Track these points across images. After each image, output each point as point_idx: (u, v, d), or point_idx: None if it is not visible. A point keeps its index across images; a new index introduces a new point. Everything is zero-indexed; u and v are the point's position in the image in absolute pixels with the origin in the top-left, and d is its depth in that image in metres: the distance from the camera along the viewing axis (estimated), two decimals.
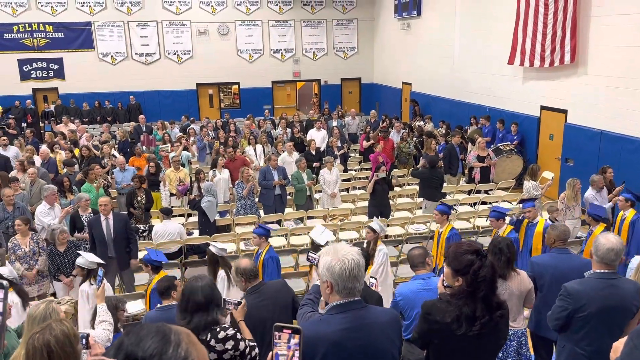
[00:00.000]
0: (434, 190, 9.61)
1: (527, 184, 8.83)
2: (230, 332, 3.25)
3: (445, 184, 11.24)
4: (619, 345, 2.15)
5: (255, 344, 3.45)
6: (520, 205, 7.61)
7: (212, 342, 3.20)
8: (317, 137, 13.17)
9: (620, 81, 9.78)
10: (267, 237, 6.16)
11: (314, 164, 11.38)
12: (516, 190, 11.16)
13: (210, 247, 5.71)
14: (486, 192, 10.89)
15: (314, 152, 11.80)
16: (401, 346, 2.68)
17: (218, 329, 3.24)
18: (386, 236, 8.91)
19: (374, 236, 6.10)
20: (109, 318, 4.03)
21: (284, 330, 2.17)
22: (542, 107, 12.08)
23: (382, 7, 20.66)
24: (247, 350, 3.32)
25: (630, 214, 6.83)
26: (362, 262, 2.47)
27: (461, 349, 2.74)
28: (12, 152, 11.69)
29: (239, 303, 3.67)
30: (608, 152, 10.09)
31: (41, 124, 17.90)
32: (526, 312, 4.71)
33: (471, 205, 10.36)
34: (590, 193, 7.99)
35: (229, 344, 3.21)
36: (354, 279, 2.41)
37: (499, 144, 12.40)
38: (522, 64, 12.12)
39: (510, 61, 12.46)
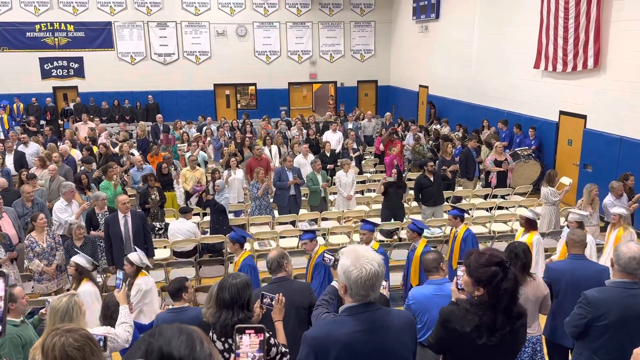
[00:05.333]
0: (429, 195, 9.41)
1: (545, 190, 8.74)
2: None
3: (461, 188, 11.18)
4: None
5: (288, 350, 3.32)
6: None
7: None
8: (333, 139, 13.16)
9: None
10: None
11: (329, 166, 11.39)
12: (533, 196, 11.03)
13: None
14: (503, 197, 10.78)
15: (328, 154, 11.80)
16: (416, 350, 2.62)
17: None
18: (400, 239, 8.87)
19: (132, 269, 5.37)
20: (129, 320, 4.06)
21: (247, 331, 2.12)
22: (561, 112, 11.93)
23: (400, 9, 20.60)
24: (278, 357, 3.22)
25: (461, 230, 6.68)
26: (382, 272, 2.40)
27: (480, 356, 2.69)
28: (32, 148, 11.87)
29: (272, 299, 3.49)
30: (627, 158, 9.93)
31: (60, 122, 18.15)
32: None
33: (487, 210, 10.27)
34: (609, 199, 7.88)
35: None
36: (369, 288, 2.38)
37: (516, 149, 12.28)
38: (546, 68, 12.00)
39: (536, 65, 12.32)
